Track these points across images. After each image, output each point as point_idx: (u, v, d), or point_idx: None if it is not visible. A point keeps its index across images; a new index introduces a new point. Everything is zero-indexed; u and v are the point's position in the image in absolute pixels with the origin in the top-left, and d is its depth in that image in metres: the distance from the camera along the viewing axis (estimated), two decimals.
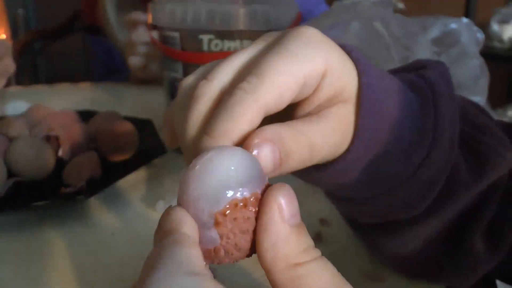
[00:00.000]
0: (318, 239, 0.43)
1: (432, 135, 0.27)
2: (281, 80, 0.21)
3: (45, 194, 0.49)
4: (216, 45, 0.55)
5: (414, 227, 0.30)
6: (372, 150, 0.25)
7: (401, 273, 0.37)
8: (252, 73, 0.22)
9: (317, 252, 0.19)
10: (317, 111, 0.24)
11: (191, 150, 0.22)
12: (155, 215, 0.46)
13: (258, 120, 0.21)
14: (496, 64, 1.95)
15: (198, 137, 0.22)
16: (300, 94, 0.22)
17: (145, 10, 1.12)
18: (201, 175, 0.18)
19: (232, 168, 0.18)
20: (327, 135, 0.23)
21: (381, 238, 0.33)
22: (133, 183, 0.53)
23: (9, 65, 0.67)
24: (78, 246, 0.42)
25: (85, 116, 0.63)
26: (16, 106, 0.73)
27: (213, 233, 0.18)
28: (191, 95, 0.23)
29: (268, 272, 0.19)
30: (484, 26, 1.93)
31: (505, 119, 2.02)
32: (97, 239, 0.43)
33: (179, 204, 0.18)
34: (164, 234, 0.18)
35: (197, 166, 0.18)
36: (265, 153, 0.20)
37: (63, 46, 1.75)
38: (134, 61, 0.97)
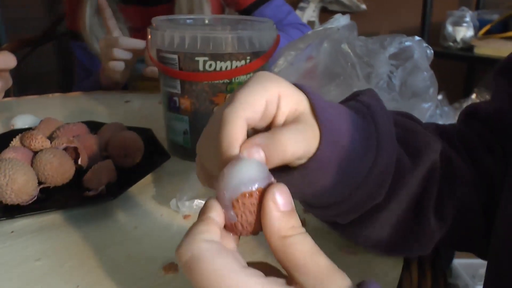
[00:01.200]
0: (302, 224, 0.54)
1: (376, 139, 0.38)
2: (250, 100, 0.32)
3: (70, 197, 0.58)
4: (210, 65, 0.65)
5: (380, 214, 0.41)
6: (335, 151, 0.35)
7: (372, 251, 0.47)
8: (232, 98, 0.33)
9: (301, 229, 0.27)
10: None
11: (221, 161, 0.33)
12: (168, 211, 0.56)
13: (244, 127, 0.32)
14: (451, 62, 2.11)
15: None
16: (268, 111, 0.33)
17: (123, 17, 1.20)
18: (226, 177, 0.28)
19: (244, 173, 0.29)
20: (299, 135, 0.33)
21: (356, 229, 0.44)
22: (142, 185, 0.62)
23: (9, 79, 0.75)
24: (108, 239, 0.51)
25: (92, 126, 0.72)
26: (24, 119, 0.81)
27: (232, 213, 0.28)
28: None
29: (268, 242, 0.27)
30: (439, 28, 2.08)
31: None
32: (123, 232, 0.52)
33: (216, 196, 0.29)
34: (199, 215, 0.28)
35: (224, 172, 0.29)
36: (255, 153, 0.31)
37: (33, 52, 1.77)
38: (115, 65, 1.05)
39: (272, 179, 0.30)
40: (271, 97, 0.33)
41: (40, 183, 0.58)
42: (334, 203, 0.40)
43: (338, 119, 0.36)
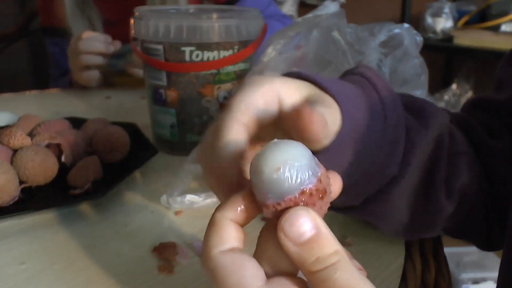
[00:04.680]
0: None
1: (381, 105, 0.37)
2: (247, 101, 0.30)
3: (54, 197, 0.55)
4: (197, 55, 0.62)
5: (394, 189, 0.39)
6: (352, 125, 0.34)
7: (390, 235, 0.46)
8: (228, 105, 0.30)
9: (333, 258, 0.23)
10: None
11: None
12: (159, 207, 0.54)
13: (242, 132, 0.29)
14: (431, 53, 2.13)
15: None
16: (270, 109, 0.30)
17: (97, 11, 1.16)
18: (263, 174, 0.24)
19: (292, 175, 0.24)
20: (327, 111, 0.31)
21: (371, 207, 0.41)
22: (129, 181, 0.59)
23: None
24: (97, 238, 0.48)
25: (74, 123, 0.69)
26: (1, 116, 0.77)
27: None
28: None
29: None
30: (419, 19, 2.09)
31: (442, 103, 2.19)
32: (112, 231, 0.49)
33: None
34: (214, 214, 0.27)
35: (259, 161, 0.24)
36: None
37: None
38: (89, 75, 1.01)
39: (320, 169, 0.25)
40: (269, 98, 0.30)
41: (21, 182, 0.55)
42: (350, 184, 0.37)
43: (346, 93, 0.35)
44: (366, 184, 0.38)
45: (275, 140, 0.25)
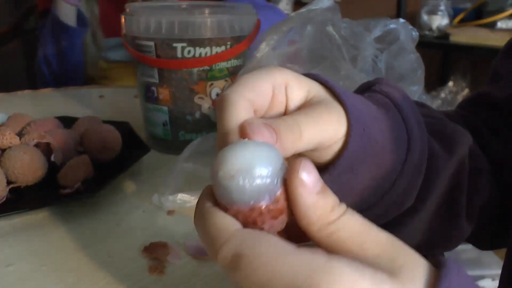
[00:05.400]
0: None
1: (406, 130, 0.34)
2: (255, 83, 0.28)
3: (43, 197, 0.54)
4: (189, 51, 0.61)
5: (411, 219, 0.37)
6: (365, 143, 0.31)
7: None
8: (235, 81, 0.28)
9: (342, 206, 0.23)
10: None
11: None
12: (150, 206, 0.53)
13: (249, 109, 0.27)
14: (427, 51, 2.12)
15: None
16: (277, 99, 0.29)
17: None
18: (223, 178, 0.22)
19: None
20: (319, 117, 0.28)
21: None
22: (121, 180, 0.58)
23: None
24: (88, 239, 0.47)
25: (65, 122, 0.67)
26: None
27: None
28: None
29: (306, 233, 0.22)
30: (414, 17, 2.08)
31: (439, 101, 2.18)
32: (104, 231, 0.48)
33: None
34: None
35: (220, 162, 0.22)
36: (265, 132, 0.25)
37: None
38: None
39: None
40: (278, 83, 0.28)
41: (9, 182, 0.54)
42: (363, 210, 0.35)
43: (363, 107, 0.31)
44: (383, 213, 0.36)
45: (245, 140, 0.23)
